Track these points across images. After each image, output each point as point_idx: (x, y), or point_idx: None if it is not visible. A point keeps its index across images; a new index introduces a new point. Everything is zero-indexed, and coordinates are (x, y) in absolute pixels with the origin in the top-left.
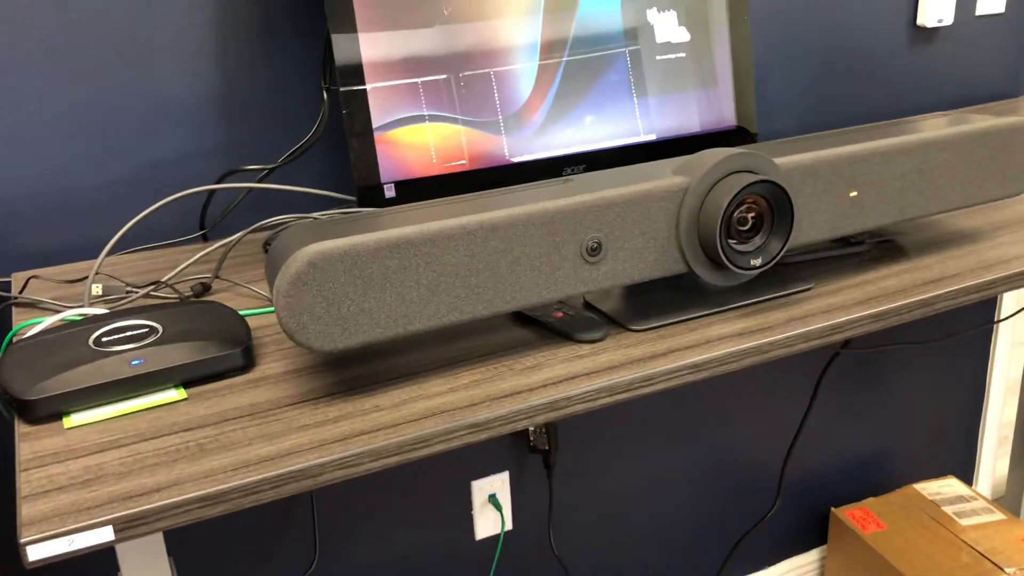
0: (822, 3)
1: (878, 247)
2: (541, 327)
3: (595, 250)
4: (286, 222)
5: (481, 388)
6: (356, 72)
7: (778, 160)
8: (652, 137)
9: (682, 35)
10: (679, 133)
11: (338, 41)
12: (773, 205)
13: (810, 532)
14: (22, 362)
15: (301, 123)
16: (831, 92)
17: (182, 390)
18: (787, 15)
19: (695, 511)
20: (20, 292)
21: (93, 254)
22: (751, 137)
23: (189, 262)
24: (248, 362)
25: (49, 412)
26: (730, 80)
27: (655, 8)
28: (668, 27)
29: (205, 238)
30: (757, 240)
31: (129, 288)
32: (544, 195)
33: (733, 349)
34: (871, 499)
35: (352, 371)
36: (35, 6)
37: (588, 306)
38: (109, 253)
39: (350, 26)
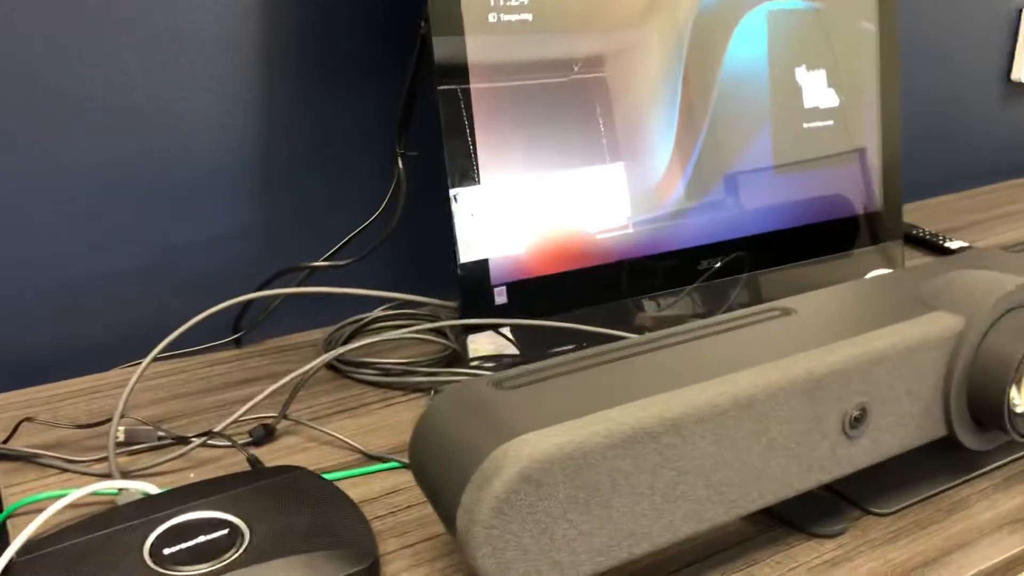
0: (906, 58)
1: None
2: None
3: (859, 420)
4: (361, 329)
5: None
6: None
7: None
8: (794, 223)
9: (831, 99)
10: (826, 217)
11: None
12: None
13: None
14: None
15: (362, 200)
16: (919, 153)
17: None
18: None
19: None
20: (6, 440)
21: (94, 366)
22: (898, 222)
23: (254, 402)
24: None
25: None
26: (877, 152)
27: (804, 65)
28: (817, 88)
29: (238, 343)
30: None
31: (162, 435)
32: (777, 340)
33: (1018, 550)
34: None
35: None
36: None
37: None
38: (125, 366)
39: (461, 77)
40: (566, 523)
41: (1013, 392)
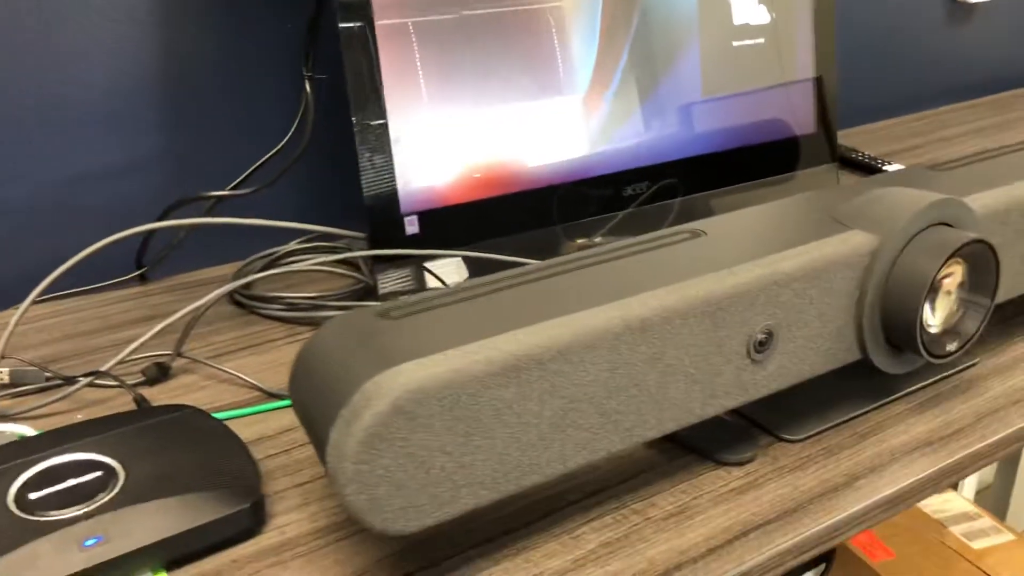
0: None
1: None
2: (662, 437)
3: (764, 343)
4: (277, 261)
5: (620, 560)
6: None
7: (970, 201)
8: (725, 146)
9: (761, 15)
10: (757, 140)
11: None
12: (973, 269)
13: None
14: None
15: (271, 125)
16: (863, 73)
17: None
18: None
19: None
20: None
21: None
22: (832, 144)
23: (140, 341)
24: (260, 520)
25: None
26: (811, 72)
27: None
28: (747, 4)
29: (143, 278)
30: (951, 316)
31: (50, 376)
32: (692, 261)
33: (930, 472)
34: None
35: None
36: None
37: None
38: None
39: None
40: (444, 456)
41: (927, 312)
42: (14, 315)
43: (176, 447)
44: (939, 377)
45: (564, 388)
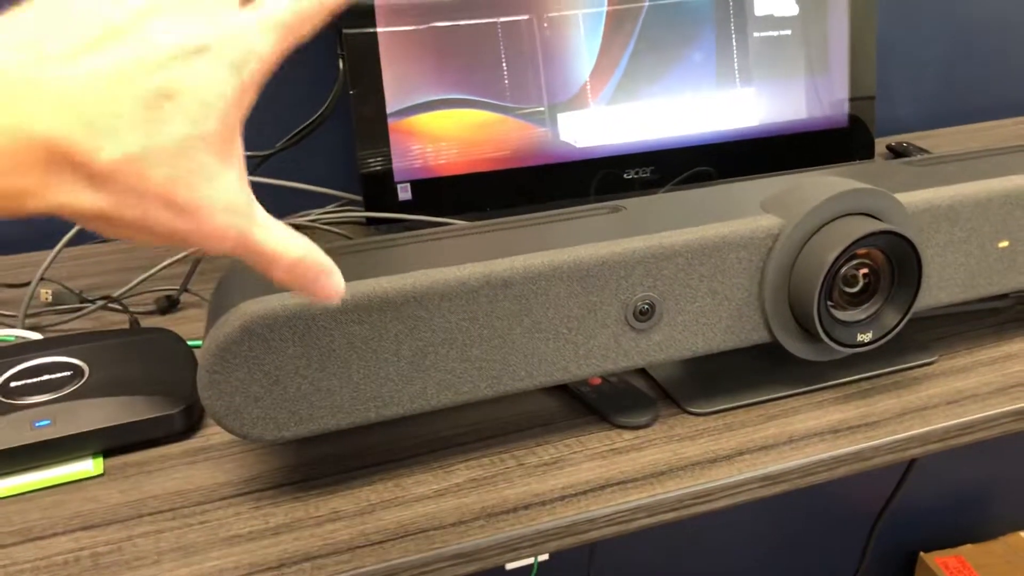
0: None
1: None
2: (571, 396)
3: (646, 313)
4: None
5: (478, 494)
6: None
7: (904, 197)
8: (740, 136)
9: (788, 7)
10: (776, 131)
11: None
12: (894, 261)
13: None
14: None
15: (313, 98)
16: (964, 78)
17: (100, 462)
18: None
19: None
20: None
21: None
22: (867, 141)
23: (148, 274)
24: (190, 425)
25: None
26: (846, 66)
27: None
28: None
29: None
30: (869, 307)
31: (83, 299)
32: (586, 231)
33: (822, 456)
34: (968, 546)
35: (316, 448)
36: None
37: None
38: (68, 244)
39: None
40: (300, 378)
41: (839, 300)
42: (52, 251)
43: (139, 360)
44: (884, 371)
45: (421, 332)
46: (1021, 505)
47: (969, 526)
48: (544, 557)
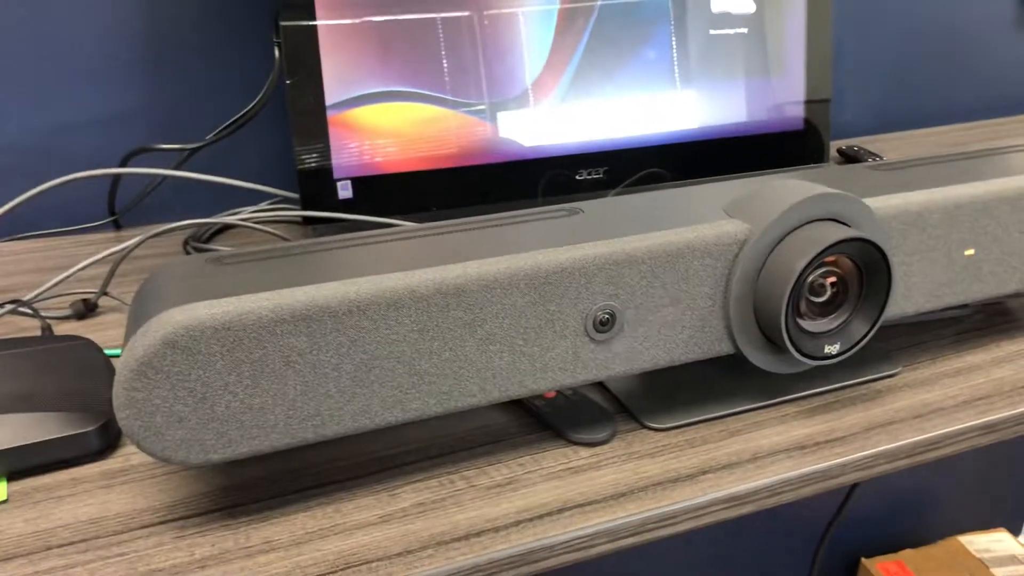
0: None
1: (983, 312)
2: (524, 410)
3: (606, 323)
4: (208, 224)
5: (426, 520)
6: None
7: (872, 202)
8: (694, 136)
9: (746, 5)
10: (729, 133)
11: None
12: (863, 269)
13: None
14: None
15: (247, 88)
16: (915, 79)
17: (3, 486)
18: None
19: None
20: None
21: None
22: (820, 144)
23: (62, 277)
24: (107, 444)
25: None
26: (802, 69)
27: None
28: None
29: (117, 225)
30: (836, 317)
31: None
32: (543, 236)
33: (789, 475)
34: (908, 551)
35: (247, 470)
36: None
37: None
38: None
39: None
40: (229, 395)
41: (805, 311)
42: None
43: (51, 371)
44: (848, 384)
45: (365, 344)
46: (959, 509)
47: (909, 531)
48: None
